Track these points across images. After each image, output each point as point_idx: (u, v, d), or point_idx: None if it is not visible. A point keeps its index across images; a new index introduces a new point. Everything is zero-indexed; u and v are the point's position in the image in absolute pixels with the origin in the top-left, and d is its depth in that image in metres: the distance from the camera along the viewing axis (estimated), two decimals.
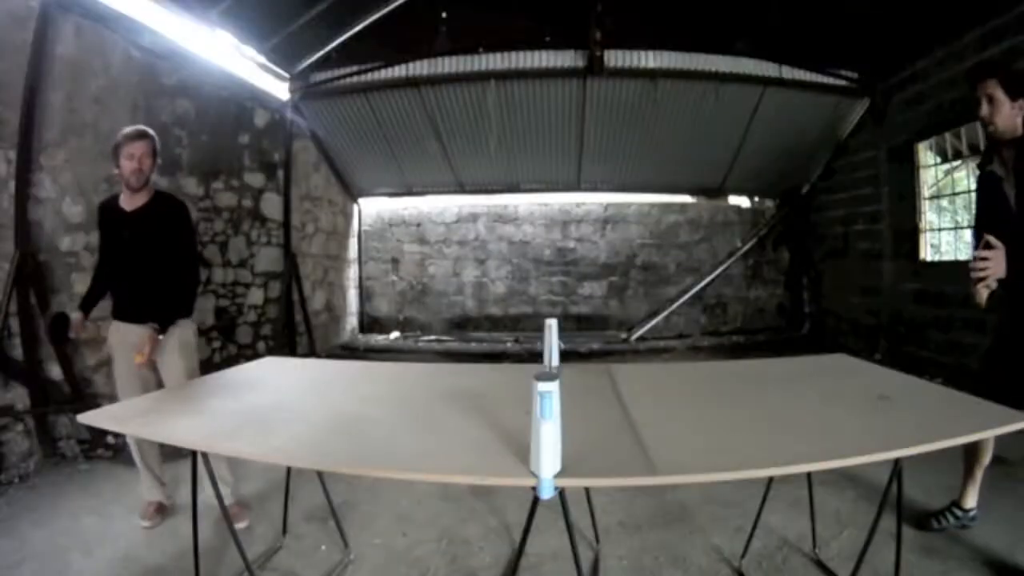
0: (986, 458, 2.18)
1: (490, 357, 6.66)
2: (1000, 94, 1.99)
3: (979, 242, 2.25)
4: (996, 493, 2.46)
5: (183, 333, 2.50)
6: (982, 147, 4.63)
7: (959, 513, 2.24)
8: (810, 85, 6.07)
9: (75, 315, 2.37)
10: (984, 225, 2.23)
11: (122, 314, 2.46)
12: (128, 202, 2.40)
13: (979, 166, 2.29)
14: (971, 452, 2.19)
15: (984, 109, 2.05)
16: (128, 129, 2.39)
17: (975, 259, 1.86)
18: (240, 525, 2.41)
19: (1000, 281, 1.94)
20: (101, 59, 3.64)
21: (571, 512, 1.31)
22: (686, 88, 6.10)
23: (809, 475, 2.06)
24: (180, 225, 2.52)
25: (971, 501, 2.24)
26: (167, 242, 2.43)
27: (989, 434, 1.35)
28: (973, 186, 5.25)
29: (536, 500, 1.19)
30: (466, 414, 1.58)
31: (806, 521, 2.20)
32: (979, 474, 2.22)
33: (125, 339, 2.41)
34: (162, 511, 2.54)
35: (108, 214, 2.45)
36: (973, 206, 2.45)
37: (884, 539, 1.84)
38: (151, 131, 2.42)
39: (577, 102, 6.28)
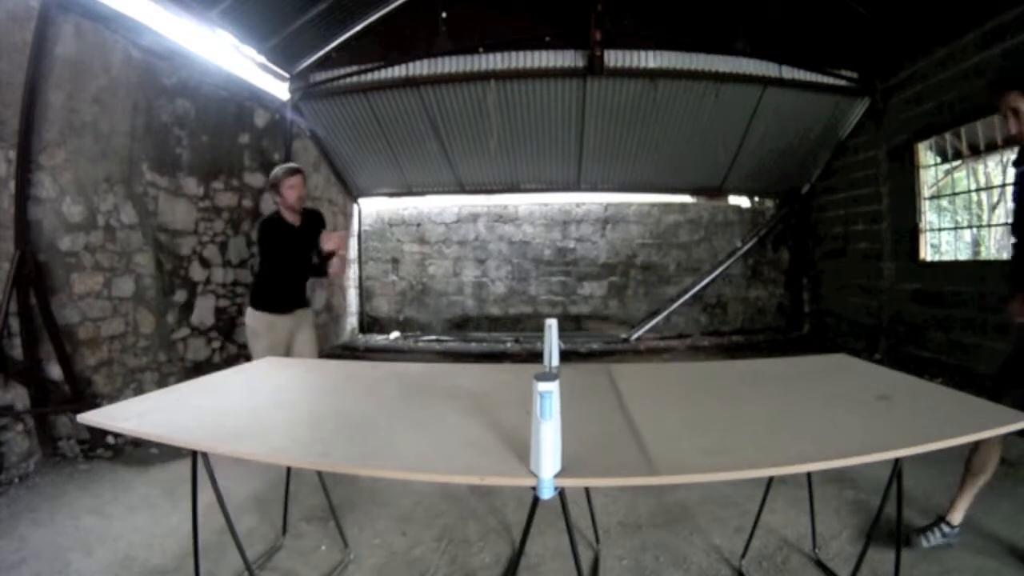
0: (989, 471, 2.09)
1: (490, 357, 6.67)
2: (1022, 102, 1.96)
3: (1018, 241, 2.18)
4: (996, 493, 2.46)
5: (311, 316, 3.30)
6: (983, 147, 4.66)
7: (947, 530, 2.14)
8: (810, 85, 6.07)
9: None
10: (1019, 223, 2.16)
11: (279, 306, 3.06)
12: (293, 219, 3.10)
13: (1015, 163, 2.22)
14: (976, 463, 2.09)
15: (1012, 126, 2.01)
16: (284, 167, 3.11)
17: None
18: None
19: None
20: (101, 59, 3.64)
21: (571, 512, 1.31)
22: (686, 88, 6.10)
23: (809, 475, 2.06)
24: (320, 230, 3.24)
25: (959, 517, 2.15)
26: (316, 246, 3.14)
27: (989, 434, 1.35)
28: (973, 186, 5.29)
29: (536, 500, 1.19)
30: (466, 414, 1.58)
31: (806, 521, 2.20)
32: (974, 490, 2.13)
33: (274, 327, 3.04)
34: None
35: (280, 229, 3.06)
36: (1011, 204, 2.36)
37: (884, 539, 1.85)
38: (301, 166, 3.17)
39: (577, 102, 6.28)
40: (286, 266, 3.08)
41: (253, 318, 3.07)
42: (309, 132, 6.56)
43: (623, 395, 1.77)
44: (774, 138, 6.75)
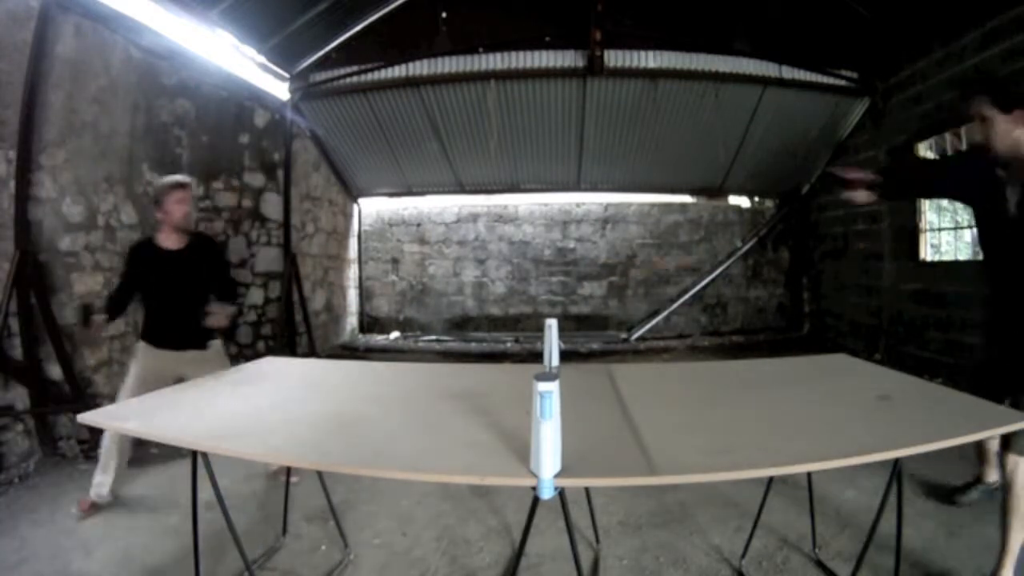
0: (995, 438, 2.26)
1: (490, 357, 6.67)
2: (991, 111, 1.89)
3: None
4: (996, 493, 2.46)
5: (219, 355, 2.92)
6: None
7: (983, 487, 2.44)
8: (810, 85, 6.07)
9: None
10: (980, 219, 2.11)
11: (159, 340, 2.74)
12: (173, 242, 2.78)
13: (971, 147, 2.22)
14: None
15: (979, 131, 1.96)
16: (170, 179, 2.78)
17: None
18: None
19: (992, 282, 2.03)
20: (101, 59, 3.64)
21: (571, 512, 1.31)
22: (686, 88, 6.10)
23: (809, 475, 2.06)
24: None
25: (992, 475, 2.39)
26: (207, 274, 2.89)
27: (988, 434, 1.35)
28: None
29: (536, 500, 1.19)
30: (466, 414, 1.58)
31: (806, 521, 2.20)
32: (991, 450, 2.34)
33: (149, 359, 2.71)
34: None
35: (148, 255, 2.75)
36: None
37: (884, 539, 1.85)
38: (189, 180, 2.85)
39: (577, 102, 6.28)
40: (160, 298, 2.71)
41: (137, 347, 2.80)
42: (309, 132, 6.56)
43: (623, 395, 1.77)
44: (774, 138, 6.75)
